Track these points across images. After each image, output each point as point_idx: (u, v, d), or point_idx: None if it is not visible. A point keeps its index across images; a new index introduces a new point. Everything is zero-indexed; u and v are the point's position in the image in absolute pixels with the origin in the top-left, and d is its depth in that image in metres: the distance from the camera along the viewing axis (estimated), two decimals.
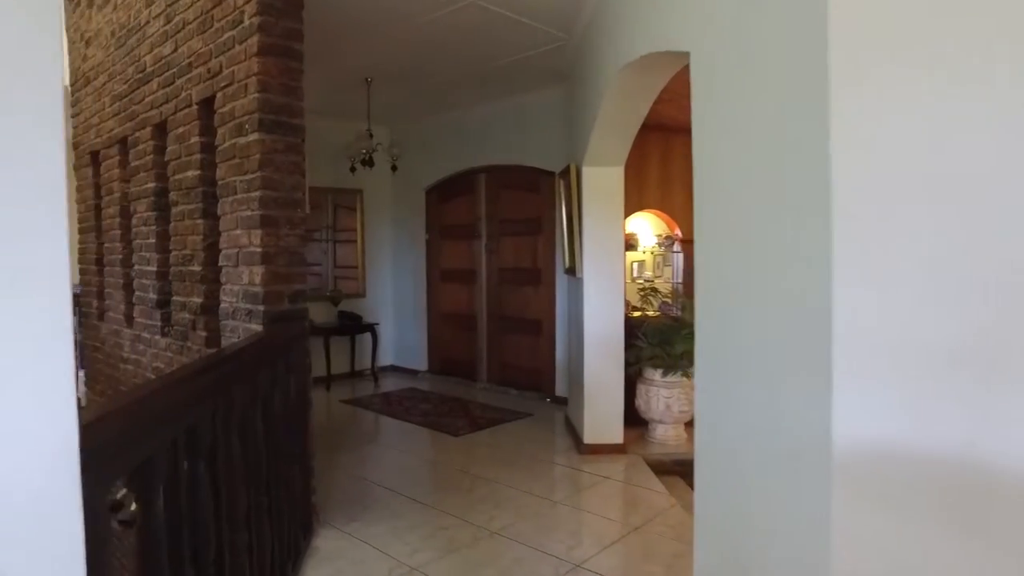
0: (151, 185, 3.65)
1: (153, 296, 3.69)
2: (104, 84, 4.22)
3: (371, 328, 6.47)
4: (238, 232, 2.87)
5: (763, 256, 1.57)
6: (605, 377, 4.18)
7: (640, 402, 4.50)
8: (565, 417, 4.99)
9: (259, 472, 2.12)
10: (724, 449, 1.80)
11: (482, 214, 6.22)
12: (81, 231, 4.80)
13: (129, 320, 4.07)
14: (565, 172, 4.48)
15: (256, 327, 2.77)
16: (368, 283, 6.94)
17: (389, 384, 6.45)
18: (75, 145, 4.84)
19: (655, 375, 4.41)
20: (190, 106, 3.22)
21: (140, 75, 3.71)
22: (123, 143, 4.03)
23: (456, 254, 6.53)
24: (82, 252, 4.83)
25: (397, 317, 7.12)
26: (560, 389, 5.58)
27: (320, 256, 6.84)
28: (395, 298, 7.14)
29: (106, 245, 4.43)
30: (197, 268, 3.26)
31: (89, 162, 4.60)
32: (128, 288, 4.09)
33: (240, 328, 2.88)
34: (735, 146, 1.72)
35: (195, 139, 3.21)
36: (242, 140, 2.81)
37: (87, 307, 4.83)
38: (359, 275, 6.89)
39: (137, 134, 3.80)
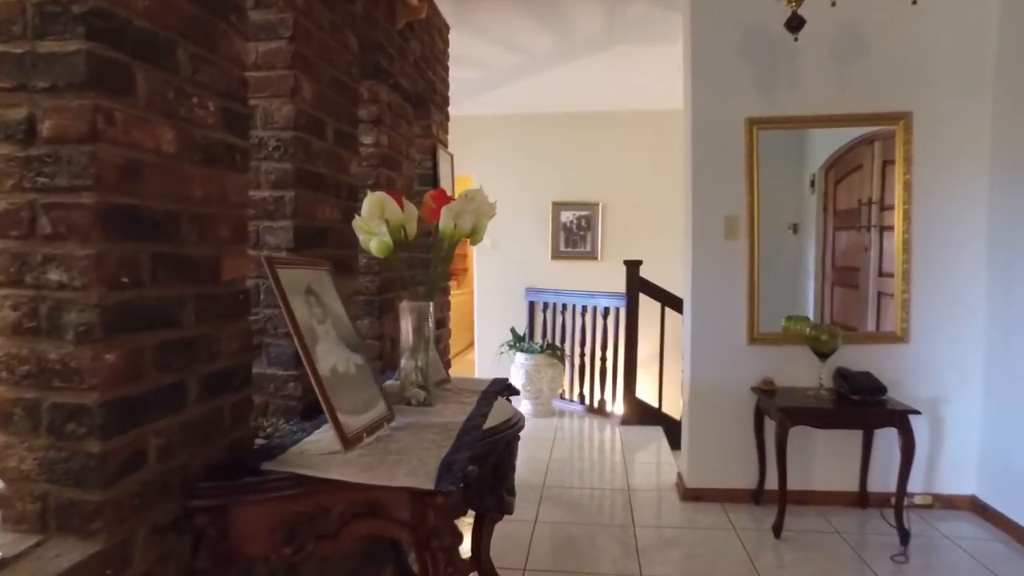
0: None
1: None
2: None
3: (902, 418, 2.87)
4: None
5: None
6: None
7: None
8: None
9: None
10: None
11: None
12: None
13: None
14: None
15: None
16: (915, 314, 3.26)
17: (940, 561, 2.74)
18: None
19: None
20: None
21: None
22: None
23: None
24: None
25: (989, 393, 3.17)
26: None
27: (859, 256, 3.53)
28: (988, 351, 3.18)
29: None
30: None
31: None
32: None
33: None
34: None
35: None
36: None
37: None
38: (897, 293, 3.29)
39: None
